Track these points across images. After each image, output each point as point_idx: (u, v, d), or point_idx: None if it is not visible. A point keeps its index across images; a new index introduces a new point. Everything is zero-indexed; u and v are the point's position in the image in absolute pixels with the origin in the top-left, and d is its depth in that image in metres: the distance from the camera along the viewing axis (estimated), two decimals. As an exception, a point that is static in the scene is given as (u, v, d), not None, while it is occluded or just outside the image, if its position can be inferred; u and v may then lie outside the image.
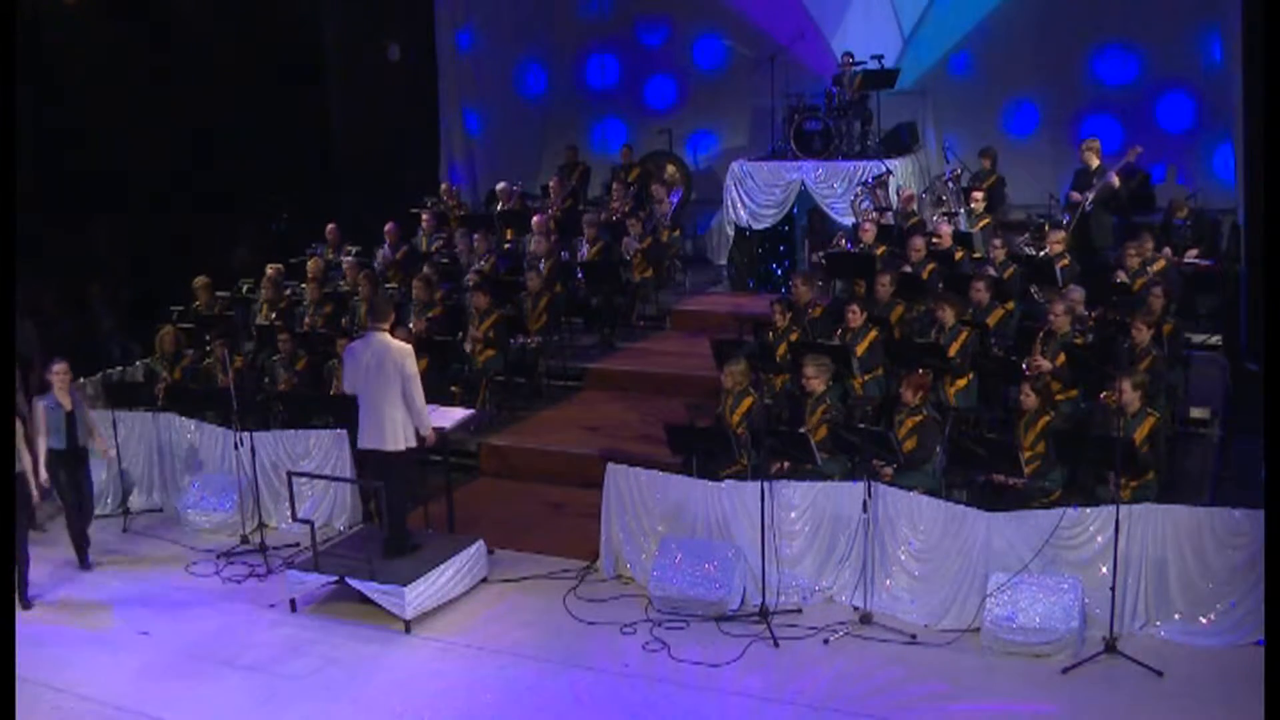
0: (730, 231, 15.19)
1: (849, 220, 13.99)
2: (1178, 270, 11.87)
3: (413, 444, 9.04)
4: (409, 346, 9.04)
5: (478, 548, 9.18)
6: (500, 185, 16.03)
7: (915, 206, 13.77)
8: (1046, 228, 12.46)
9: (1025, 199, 15.08)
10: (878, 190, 14.00)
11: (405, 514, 9.24)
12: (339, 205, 16.36)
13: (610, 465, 9.33)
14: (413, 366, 8.91)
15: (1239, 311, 12.24)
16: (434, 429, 9.29)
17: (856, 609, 8.49)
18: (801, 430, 9.15)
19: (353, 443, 9.63)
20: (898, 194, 13.92)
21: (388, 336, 8.97)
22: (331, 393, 11.11)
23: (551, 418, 12.09)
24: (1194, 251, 12.52)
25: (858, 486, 8.46)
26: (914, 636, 8.18)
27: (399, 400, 8.86)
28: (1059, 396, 9.58)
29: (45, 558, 9.79)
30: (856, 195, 14.08)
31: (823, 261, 12.97)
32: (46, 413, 9.55)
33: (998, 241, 12.11)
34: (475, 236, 14.15)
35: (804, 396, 9.70)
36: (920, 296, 11.36)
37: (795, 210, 14.76)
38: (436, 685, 7.86)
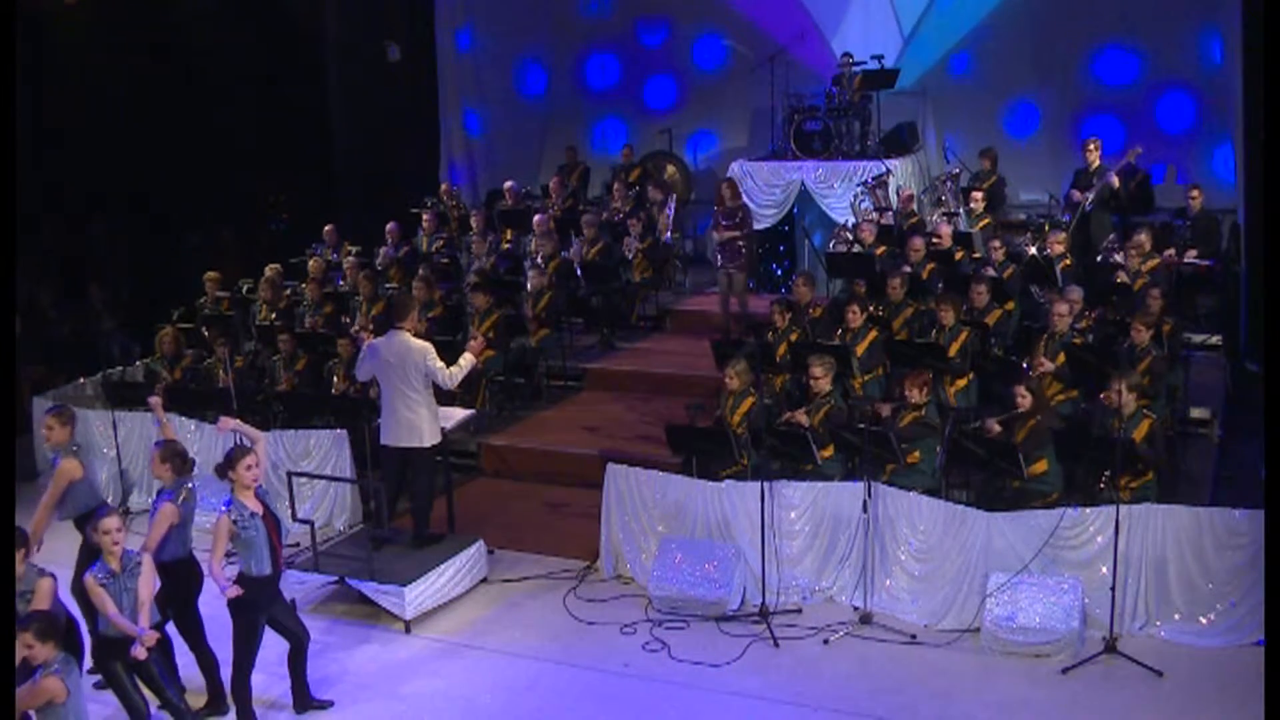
0: (730, 232, 15.17)
1: (849, 220, 13.98)
2: (1175, 270, 11.87)
3: (438, 440, 9.16)
4: (429, 345, 9.10)
5: (478, 548, 9.19)
6: (508, 184, 16.02)
7: (915, 206, 13.77)
8: (1046, 228, 12.46)
9: (1025, 199, 15.09)
10: (877, 190, 13.99)
11: (430, 506, 9.30)
12: (339, 205, 16.37)
13: (610, 465, 9.34)
14: (435, 360, 8.96)
15: (1239, 311, 12.25)
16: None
17: (856, 609, 8.50)
18: (794, 422, 9.18)
19: (374, 438, 9.56)
20: (898, 194, 13.91)
21: (408, 336, 9.07)
22: (332, 392, 11.13)
23: (551, 418, 12.09)
24: (1194, 251, 12.53)
25: (858, 486, 8.46)
26: (914, 636, 8.19)
27: (421, 398, 8.99)
28: (1060, 397, 9.59)
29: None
30: (856, 195, 14.07)
31: None
32: (235, 525, 7.42)
33: (997, 242, 12.12)
34: (473, 237, 14.16)
35: (807, 396, 9.70)
36: (920, 296, 11.37)
37: (795, 210, 14.76)
38: (436, 685, 7.87)
